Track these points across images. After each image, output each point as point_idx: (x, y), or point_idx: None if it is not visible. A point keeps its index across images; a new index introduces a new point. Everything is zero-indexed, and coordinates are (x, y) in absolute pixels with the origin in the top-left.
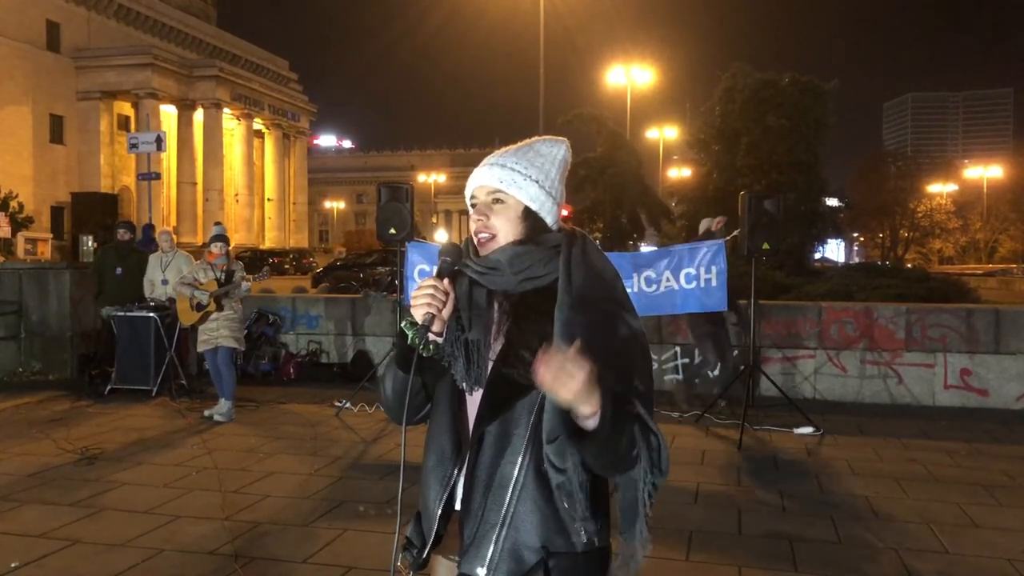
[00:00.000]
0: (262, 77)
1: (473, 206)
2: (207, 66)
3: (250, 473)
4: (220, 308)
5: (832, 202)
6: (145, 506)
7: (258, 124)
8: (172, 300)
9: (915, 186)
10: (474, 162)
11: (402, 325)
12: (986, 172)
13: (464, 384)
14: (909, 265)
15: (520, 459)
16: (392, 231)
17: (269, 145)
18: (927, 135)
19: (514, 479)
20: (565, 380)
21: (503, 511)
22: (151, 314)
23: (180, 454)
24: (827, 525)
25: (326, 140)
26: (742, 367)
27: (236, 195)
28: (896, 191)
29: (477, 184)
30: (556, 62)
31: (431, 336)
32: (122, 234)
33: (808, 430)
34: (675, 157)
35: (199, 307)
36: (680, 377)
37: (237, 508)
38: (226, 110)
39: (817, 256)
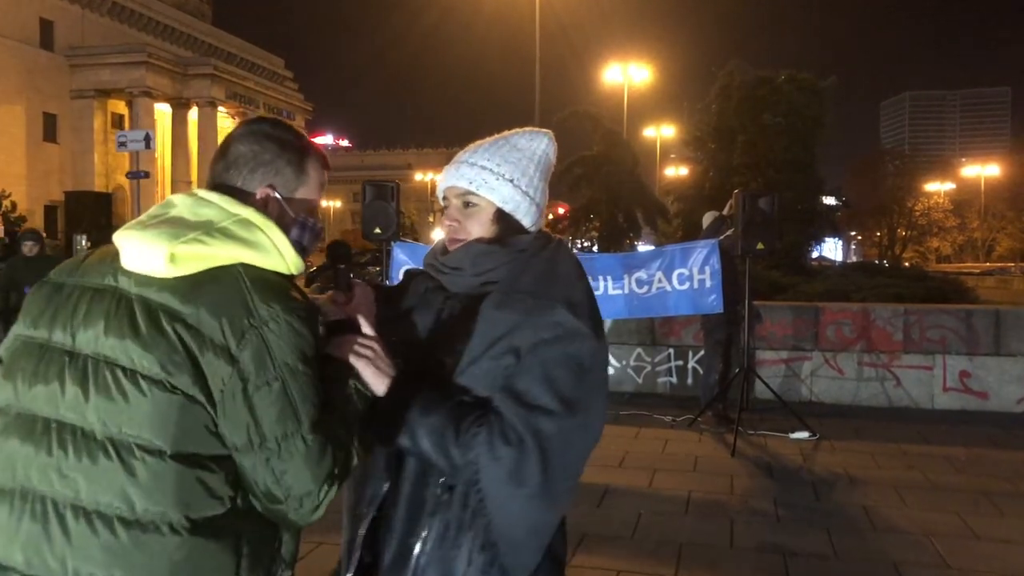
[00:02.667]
0: (257, 75)
1: (445, 208)
2: (202, 64)
3: None
4: None
5: (829, 201)
6: None
7: None
8: None
9: (912, 185)
10: None
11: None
12: (983, 171)
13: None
14: (907, 264)
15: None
16: (377, 230)
17: None
18: (925, 133)
19: (436, 498)
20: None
21: (423, 531)
22: None
23: None
24: (823, 537)
25: (323, 139)
26: (736, 370)
27: None
28: (893, 190)
29: (446, 185)
30: (552, 60)
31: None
32: None
33: (804, 435)
34: (672, 155)
35: None
36: (674, 379)
37: None
38: (221, 108)
39: (814, 255)
